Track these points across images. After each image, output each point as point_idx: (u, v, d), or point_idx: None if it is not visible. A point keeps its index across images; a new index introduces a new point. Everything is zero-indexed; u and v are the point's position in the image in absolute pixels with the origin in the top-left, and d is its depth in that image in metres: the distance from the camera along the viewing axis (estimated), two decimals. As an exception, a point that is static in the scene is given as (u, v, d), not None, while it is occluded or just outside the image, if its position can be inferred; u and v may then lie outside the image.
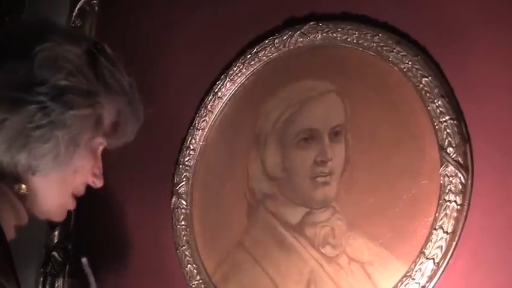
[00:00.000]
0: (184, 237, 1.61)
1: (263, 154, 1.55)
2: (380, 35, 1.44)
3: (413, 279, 1.31)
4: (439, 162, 1.33)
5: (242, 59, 1.62)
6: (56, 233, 1.82)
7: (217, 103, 1.64)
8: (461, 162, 1.31)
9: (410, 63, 1.40)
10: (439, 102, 1.35)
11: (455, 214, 1.29)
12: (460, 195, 1.30)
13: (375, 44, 1.44)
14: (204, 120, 1.65)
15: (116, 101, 1.22)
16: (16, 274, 1.08)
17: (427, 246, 1.31)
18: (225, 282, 1.54)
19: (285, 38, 1.57)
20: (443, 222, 1.30)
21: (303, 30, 1.54)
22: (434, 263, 1.30)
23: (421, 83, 1.38)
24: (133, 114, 1.27)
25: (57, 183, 1.19)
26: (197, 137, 1.65)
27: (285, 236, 1.48)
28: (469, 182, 1.30)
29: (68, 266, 1.79)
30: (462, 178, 1.30)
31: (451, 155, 1.32)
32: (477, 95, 1.34)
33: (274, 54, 1.58)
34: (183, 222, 1.62)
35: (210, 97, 1.65)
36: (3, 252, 1.08)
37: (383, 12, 1.47)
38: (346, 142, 1.46)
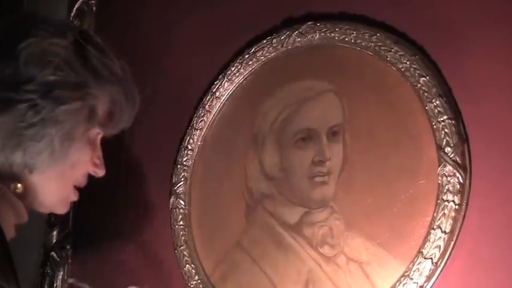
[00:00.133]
0: (183, 237, 1.61)
1: (261, 154, 1.55)
2: (378, 34, 1.44)
3: (412, 279, 1.31)
4: (437, 162, 1.33)
5: (240, 59, 1.62)
6: (55, 233, 1.82)
7: (215, 103, 1.64)
8: (459, 162, 1.31)
9: (408, 62, 1.40)
10: (437, 102, 1.35)
11: (453, 214, 1.29)
12: (458, 195, 1.30)
13: (372, 44, 1.44)
14: (202, 120, 1.65)
15: (109, 89, 1.20)
16: (16, 274, 1.08)
17: (425, 246, 1.31)
18: (223, 282, 1.54)
19: (282, 38, 1.57)
20: (441, 222, 1.30)
21: (300, 30, 1.54)
22: (432, 263, 1.30)
23: (419, 83, 1.38)
24: (128, 101, 1.24)
25: (56, 178, 1.18)
26: (195, 137, 1.65)
27: (283, 236, 1.48)
28: (467, 181, 1.30)
29: (66, 266, 1.79)
30: (460, 178, 1.30)
31: (449, 154, 1.32)
32: (475, 95, 1.34)
33: (272, 54, 1.58)
34: (181, 222, 1.62)
35: (208, 97, 1.65)
36: (3, 252, 1.08)
37: (381, 12, 1.46)
38: (344, 142, 1.46)
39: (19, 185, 1.14)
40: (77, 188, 1.25)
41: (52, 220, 1.81)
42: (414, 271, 1.31)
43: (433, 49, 1.39)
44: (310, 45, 1.53)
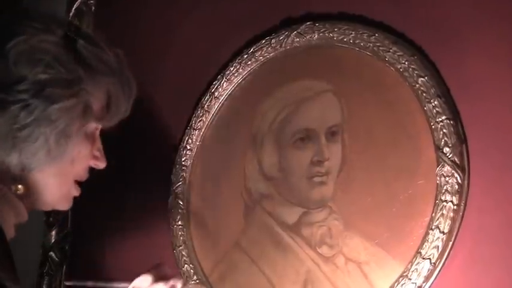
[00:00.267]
0: (181, 238, 1.61)
1: (260, 154, 1.55)
2: (376, 35, 1.44)
3: (410, 279, 1.31)
4: (435, 162, 1.33)
5: (239, 59, 1.62)
6: (53, 233, 1.82)
7: (214, 103, 1.64)
8: (458, 162, 1.31)
9: (406, 63, 1.40)
10: (436, 102, 1.35)
11: (451, 214, 1.29)
12: (457, 195, 1.30)
13: (371, 44, 1.44)
14: (200, 120, 1.65)
15: (103, 82, 1.18)
16: (17, 274, 1.08)
17: (424, 246, 1.31)
18: (221, 282, 1.54)
19: (281, 38, 1.57)
20: (440, 222, 1.30)
21: (299, 30, 1.54)
22: (430, 263, 1.30)
23: (418, 83, 1.38)
24: (124, 92, 1.22)
25: (56, 175, 1.16)
26: (194, 137, 1.65)
27: (281, 236, 1.48)
28: (466, 182, 1.30)
29: (65, 267, 1.79)
30: (459, 178, 1.30)
31: (448, 155, 1.32)
32: (474, 95, 1.34)
33: (271, 54, 1.58)
34: (180, 222, 1.62)
35: (206, 97, 1.65)
36: (4, 251, 1.08)
37: (379, 12, 1.46)
38: (343, 142, 1.46)
39: (20, 186, 1.13)
40: (78, 183, 1.24)
41: (51, 220, 1.81)
42: (412, 271, 1.31)
43: (431, 49, 1.39)
44: (309, 46, 1.53)
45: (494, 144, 1.30)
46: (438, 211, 1.31)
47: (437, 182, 1.32)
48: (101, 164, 1.24)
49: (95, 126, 1.20)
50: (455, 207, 1.29)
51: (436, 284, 1.30)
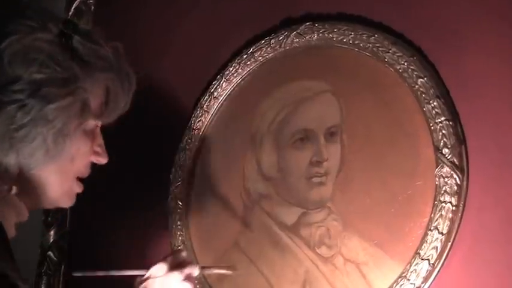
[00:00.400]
0: (180, 238, 1.61)
1: (259, 154, 1.55)
2: (376, 35, 1.44)
3: (409, 279, 1.31)
4: (434, 163, 1.33)
5: (238, 59, 1.62)
6: (52, 232, 1.82)
7: (213, 103, 1.64)
8: (457, 163, 1.31)
9: (406, 64, 1.40)
10: (435, 103, 1.35)
11: (450, 215, 1.30)
12: (456, 196, 1.30)
13: (370, 45, 1.44)
14: (199, 121, 1.65)
15: (101, 78, 1.16)
16: (19, 272, 1.07)
17: (422, 247, 1.31)
18: (220, 282, 1.54)
19: (281, 38, 1.57)
20: (439, 223, 1.30)
21: (299, 31, 1.54)
22: (429, 264, 1.30)
23: (417, 84, 1.38)
24: (123, 87, 1.20)
25: (56, 174, 1.15)
26: (193, 137, 1.65)
27: (280, 236, 1.48)
28: (465, 183, 1.30)
29: (63, 266, 1.79)
30: (457, 179, 1.30)
31: (447, 156, 1.32)
32: (473, 96, 1.34)
33: (270, 55, 1.58)
34: (178, 223, 1.62)
35: (205, 97, 1.65)
36: (9, 251, 1.07)
37: (379, 13, 1.47)
38: (342, 142, 1.46)
39: (14, 187, 1.12)
40: (80, 179, 1.22)
41: (49, 220, 1.81)
42: (411, 272, 1.31)
43: (431, 50, 1.39)
44: (308, 46, 1.54)
45: (494, 145, 1.30)
46: (437, 212, 1.31)
47: (436, 182, 1.32)
48: (103, 160, 1.23)
49: (94, 123, 1.18)
50: (454, 208, 1.29)
51: (434, 285, 1.30)
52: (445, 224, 1.29)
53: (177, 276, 1.24)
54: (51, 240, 1.81)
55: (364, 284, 1.37)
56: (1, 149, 1.08)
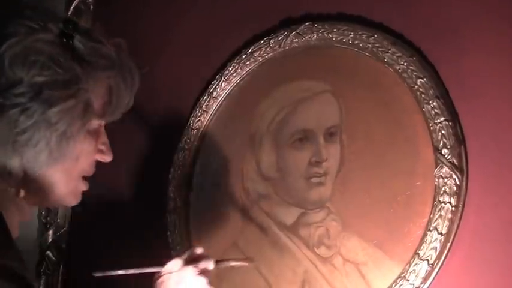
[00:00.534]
0: (179, 237, 1.61)
1: (258, 154, 1.55)
2: (375, 35, 1.44)
3: (408, 280, 1.31)
4: (433, 163, 1.33)
5: (237, 59, 1.62)
6: (50, 232, 1.81)
7: (212, 103, 1.64)
8: (456, 163, 1.31)
9: (405, 64, 1.40)
10: (434, 104, 1.35)
11: (449, 215, 1.30)
12: (455, 197, 1.30)
13: (370, 45, 1.44)
14: (199, 120, 1.65)
15: (103, 77, 1.15)
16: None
17: (422, 247, 1.31)
18: (219, 282, 1.53)
19: (280, 38, 1.57)
20: (438, 223, 1.30)
21: (298, 31, 1.54)
22: (428, 264, 1.30)
23: (416, 84, 1.38)
24: (126, 84, 1.19)
25: (61, 174, 1.14)
26: (192, 137, 1.65)
27: (278, 236, 1.48)
28: (464, 183, 1.31)
29: (62, 266, 1.79)
30: (457, 179, 1.30)
31: (446, 156, 1.32)
32: (473, 96, 1.34)
33: (270, 55, 1.58)
34: (177, 222, 1.62)
35: (205, 97, 1.65)
36: (17, 250, 1.07)
37: (379, 13, 1.47)
38: (341, 143, 1.46)
39: (22, 190, 1.12)
40: (85, 177, 1.21)
41: (48, 220, 1.80)
42: (410, 272, 1.31)
43: (430, 51, 1.40)
44: (308, 46, 1.53)
45: (493, 145, 1.30)
46: (436, 212, 1.31)
47: (436, 183, 1.32)
48: (108, 158, 1.22)
49: (97, 123, 1.17)
50: (453, 208, 1.30)
51: (434, 285, 1.30)
52: (445, 225, 1.29)
53: (191, 270, 1.24)
54: (50, 240, 1.81)
55: (363, 284, 1.37)
56: (4, 152, 1.07)
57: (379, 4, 1.47)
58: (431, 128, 1.34)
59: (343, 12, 1.51)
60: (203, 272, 1.25)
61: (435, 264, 1.30)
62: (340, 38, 1.49)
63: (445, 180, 1.31)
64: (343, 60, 1.49)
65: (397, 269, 1.33)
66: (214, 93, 1.64)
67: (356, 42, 1.46)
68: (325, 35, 1.51)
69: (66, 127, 1.09)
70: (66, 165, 1.13)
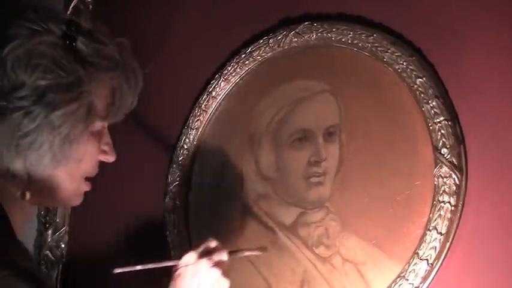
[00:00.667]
0: (178, 237, 1.61)
1: (257, 154, 1.55)
2: (375, 35, 1.44)
3: (407, 279, 1.31)
4: (433, 163, 1.33)
5: (236, 59, 1.62)
6: (49, 232, 1.81)
7: (212, 103, 1.64)
8: (456, 163, 1.31)
9: (405, 63, 1.40)
10: (434, 103, 1.35)
11: (449, 215, 1.30)
12: (454, 196, 1.30)
13: (369, 45, 1.44)
14: (198, 120, 1.65)
15: (107, 78, 1.14)
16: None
17: (421, 247, 1.31)
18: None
19: (279, 38, 1.56)
20: (437, 223, 1.30)
21: (297, 30, 1.54)
22: (428, 264, 1.30)
23: (416, 84, 1.38)
24: (130, 85, 1.18)
25: (64, 175, 1.14)
26: (191, 137, 1.64)
27: (277, 236, 1.48)
28: (463, 183, 1.31)
29: (60, 265, 1.79)
30: (456, 179, 1.30)
31: (445, 155, 1.32)
32: (472, 96, 1.34)
33: (269, 54, 1.58)
34: (177, 222, 1.62)
35: (204, 96, 1.65)
36: (26, 250, 1.08)
37: (378, 12, 1.47)
38: (341, 142, 1.46)
39: (28, 193, 1.11)
40: (88, 178, 1.21)
41: (47, 219, 1.80)
42: (410, 272, 1.31)
43: (430, 50, 1.40)
44: (307, 46, 1.53)
45: (493, 145, 1.30)
46: (436, 212, 1.31)
47: (435, 182, 1.32)
48: (111, 158, 1.22)
49: (101, 124, 1.17)
50: (452, 208, 1.30)
51: (433, 285, 1.30)
52: (444, 224, 1.29)
53: (205, 263, 1.25)
54: (49, 239, 1.80)
55: (362, 284, 1.37)
56: (8, 155, 1.07)
57: (379, 4, 1.47)
58: (431, 127, 1.34)
59: (342, 11, 1.51)
60: (217, 264, 1.26)
61: (434, 264, 1.29)
62: (340, 37, 1.49)
63: (445, 179, 1.31)
64: (343, 59, 1.49)
65: (396, 268, 1.33)
66: (214, 93, 1.64)
67: (355, 41, 1.46)
68: (325, 34, 1.50)
69: (69, 130, 1.09)
70: (70, 166, 1.13)
